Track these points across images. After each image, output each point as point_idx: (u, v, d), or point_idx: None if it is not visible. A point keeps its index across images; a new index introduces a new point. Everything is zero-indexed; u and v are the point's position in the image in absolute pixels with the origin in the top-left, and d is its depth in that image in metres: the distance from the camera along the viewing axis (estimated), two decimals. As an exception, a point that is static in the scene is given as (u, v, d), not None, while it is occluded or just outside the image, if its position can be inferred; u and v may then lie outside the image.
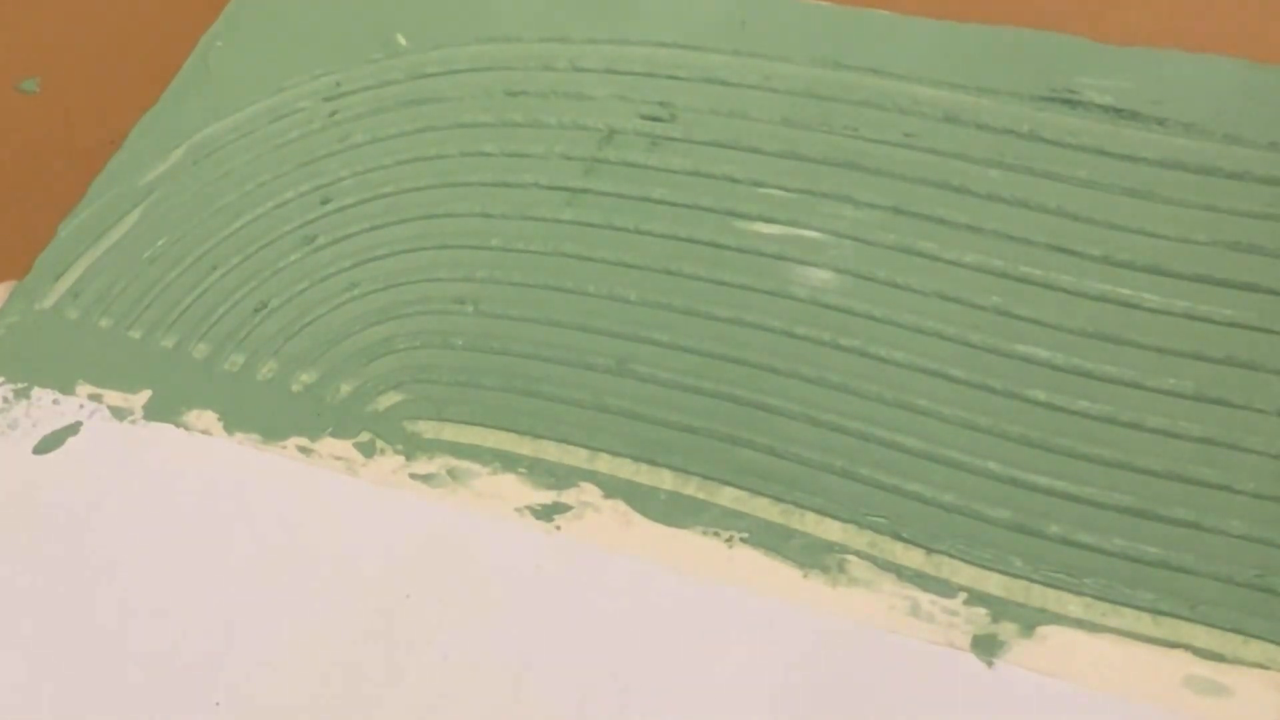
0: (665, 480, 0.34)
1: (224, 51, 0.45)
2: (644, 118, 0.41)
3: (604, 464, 0.35)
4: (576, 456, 0.35)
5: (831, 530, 0.33)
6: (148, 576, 0.34)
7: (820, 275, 0.37)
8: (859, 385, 0.35)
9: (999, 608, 0.31)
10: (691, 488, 0.34)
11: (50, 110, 0.47)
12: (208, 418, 0.37)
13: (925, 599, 0.32)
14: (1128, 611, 0.31)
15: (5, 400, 0.38)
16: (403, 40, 0.44)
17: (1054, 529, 0.32)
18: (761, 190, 0.39)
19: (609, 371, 0.36)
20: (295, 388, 0.37)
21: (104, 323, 0.39)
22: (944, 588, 0.32)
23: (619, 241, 0.38)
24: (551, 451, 0.35)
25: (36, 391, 0.38)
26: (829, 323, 0.36)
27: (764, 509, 0.33)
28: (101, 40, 0.48)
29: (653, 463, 0.35)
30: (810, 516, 0.33)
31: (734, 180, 0.39)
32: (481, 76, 0.43)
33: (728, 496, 0.34)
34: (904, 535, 0.33)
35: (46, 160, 0.45)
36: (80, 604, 0.34)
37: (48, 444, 0.37)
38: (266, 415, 0.37)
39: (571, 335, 0.37)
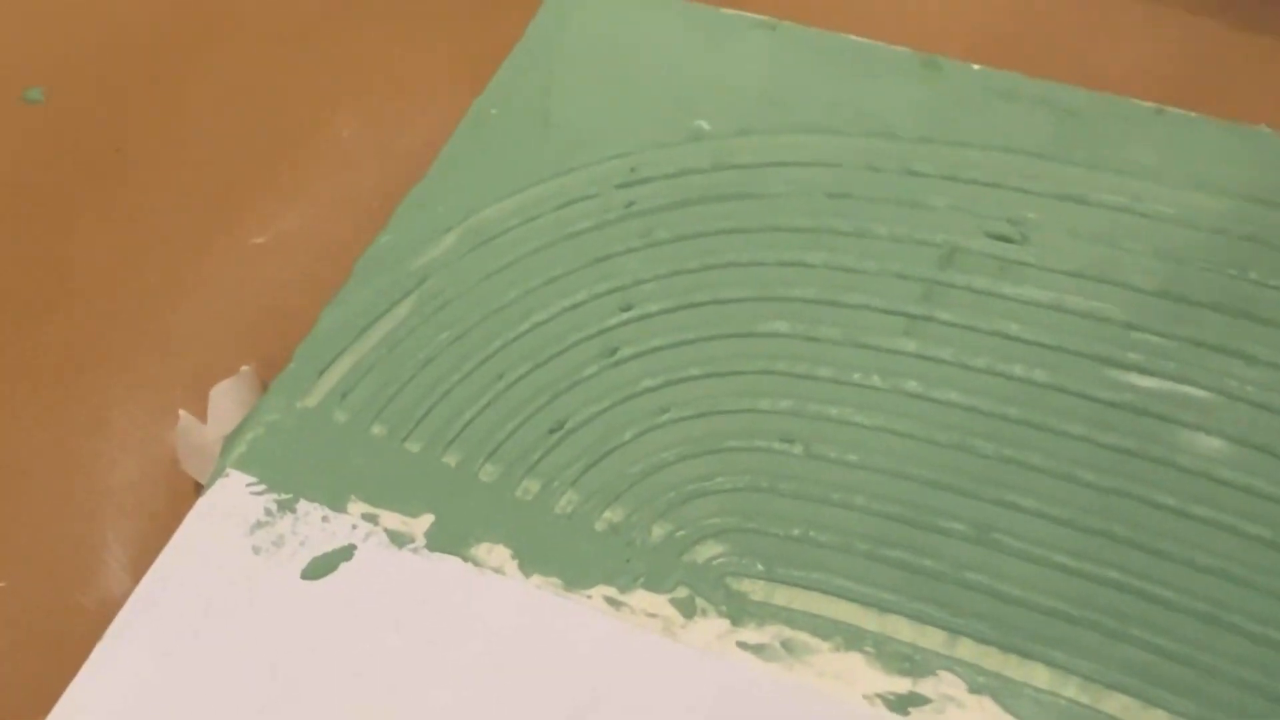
0: (1039, 676, 0.32)
1: (500, 122, 0.43)
2: (990, 236, 0.38)
3: (966, 650, 0.32)
4: (934, 639, 0.32)
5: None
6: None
7: (1211, 443, 0.34)
8: (1268, 583, 0.32)
9: None
10: (1072, 689, 0.31)
11: (55, 121, 0.47)
12: (500, 553, 0.35)
13: None
14: None
15: (268, 512, 0.36)
16: (705, 124, 0.41)
17: None
18: (1136, 335, 0.36)
19: (967, 539, 0.33)
20: (599, 526, 0.35)
21: (377, 430, 0.37)
22: None
23: (971, 382, 0.36)
24: (904, 630, 0.33)
25: (304, 505, 0.36)
26: (1226, 502, 0.33)
27: (1160, 723, 0.31)
28: (107, 50, 0.48)
29: (1024, 654, 0.32)
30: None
31: (1103, 320, 0.36)
32: (798, 172, 0.40)
33: (1116, 705, 0.31)
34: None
35: (51, 172, 0.45)
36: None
37: (318, 568, 0.35)
38: (567, 556, 0.35)
39: (920, 491, 0.34)
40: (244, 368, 0.40)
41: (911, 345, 0.36)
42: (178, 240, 0.45)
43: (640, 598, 0.34)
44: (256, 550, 0.36)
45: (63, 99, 0.48)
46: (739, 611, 0.33)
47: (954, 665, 0.32)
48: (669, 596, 0.34)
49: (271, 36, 0.49)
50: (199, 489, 0.38)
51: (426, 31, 0.47)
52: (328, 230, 0.44)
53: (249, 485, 0.37)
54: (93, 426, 0.41)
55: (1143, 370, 0.35)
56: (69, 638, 0.37)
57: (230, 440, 0.38)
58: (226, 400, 0.39)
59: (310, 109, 0.47)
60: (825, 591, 0.33)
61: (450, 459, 0.37)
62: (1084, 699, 0.31)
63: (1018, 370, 0.36)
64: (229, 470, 0.37)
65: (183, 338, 0.42)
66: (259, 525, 0.36)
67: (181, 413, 0.39)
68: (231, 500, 0.36)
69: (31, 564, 0.38)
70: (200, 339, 0.42)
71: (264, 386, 0.40)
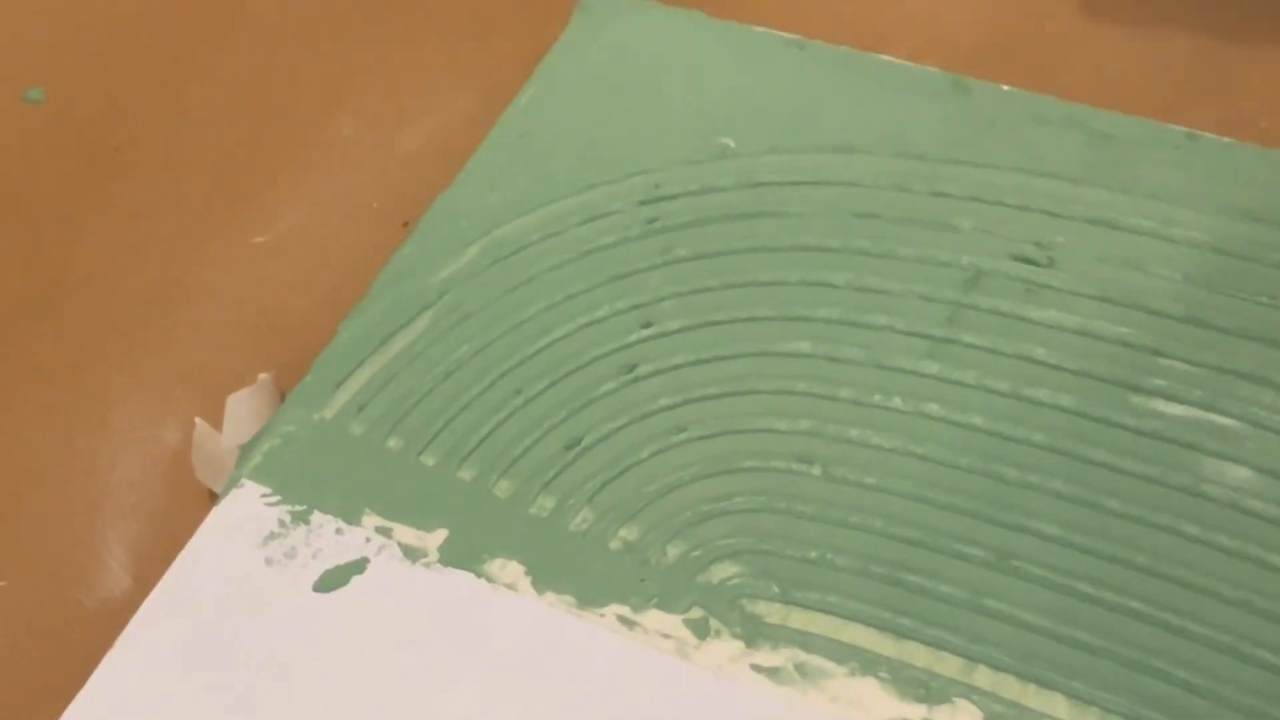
0: (1059, 707, 0.31)
1: (524, 137, 0.43)
2: (1016, 259, 0.38)
3: (984, 678, 0.32)
4: (950, 665, 0.32)
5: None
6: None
7: (1238, 473, 0.34)
8: (1294, 615, 0.32)
9: None
10: (1091, 720, 0.31)
11: (55, 121, 0.47)
12: (513, 569, 0.35)
13: None
14: None
15: (282, 524, 0.36)
16: (730, 142, 0.41)
17: None
18: (1162, 361, 0.36)
19: (986, 565, 0.33)
20: (614, 544, 0.35)
21: (393, 443, 0.37)
22: None
23: (994, 406, 0.35)
24: (920, 656, 0.32)
25: (318, 517, 0.36)
26: (1253, 533, 0.33)
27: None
28: (107, 50, 0.49)
29: (1043, 684, 0.32)
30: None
31: (1128, 346, 0.36)
32: (823, 192, 0.40)
33: (1136, 736, 0.31)
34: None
35: (51, 172, 0.46)
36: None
37: (330, 581, 0.35)
38: (582, 574, 0.35)
39: (940, 516, 0.34)
40: (262, 376, 0.40)
41: (934, 368, 0.36)
42: (178, 240, 0.45)
43: (654, 618, 0.34)
44: (269, 561, 0.36)
45: (63, 99, 0.49)
46: (753, 634, 0.33)
47: (970, 693, 0.32)
48: (683, 617, 0.34)
49: (271, 36, 0.49)
50: (212, 496, 0.38)
51: (426, 31, 0.47)
52: (328, 230, 0.45)
53: (263, 496, 0.37)
54: (93, 426, 0.41)
55: (1169, 397, 0.35)
56: (69, 637, 0.37)
57: (246, 450, 0.38)
58: (242, 409, 0.39)
59: (310, 109, 0.47)
60: (841, 615, 0.33)
61: (466, 474, 0.37)
62: (1103, 730, 0.31)
63: (1042, 395, 0.35)
64: (244, 480, 0.37)
65: (183, 338, 0.43)
66: (272, 536, 0.36)
67: (197, 421, 0.39)
68: (245, 511, 0.37)
69: (32, 563, 0.39)
70: (200, 339, 0.43)
71: (281, 395, 0.40)
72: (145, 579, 0.38)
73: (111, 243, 0.45)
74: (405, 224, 0.43)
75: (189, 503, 0.39)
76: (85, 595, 0.38)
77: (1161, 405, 0.35)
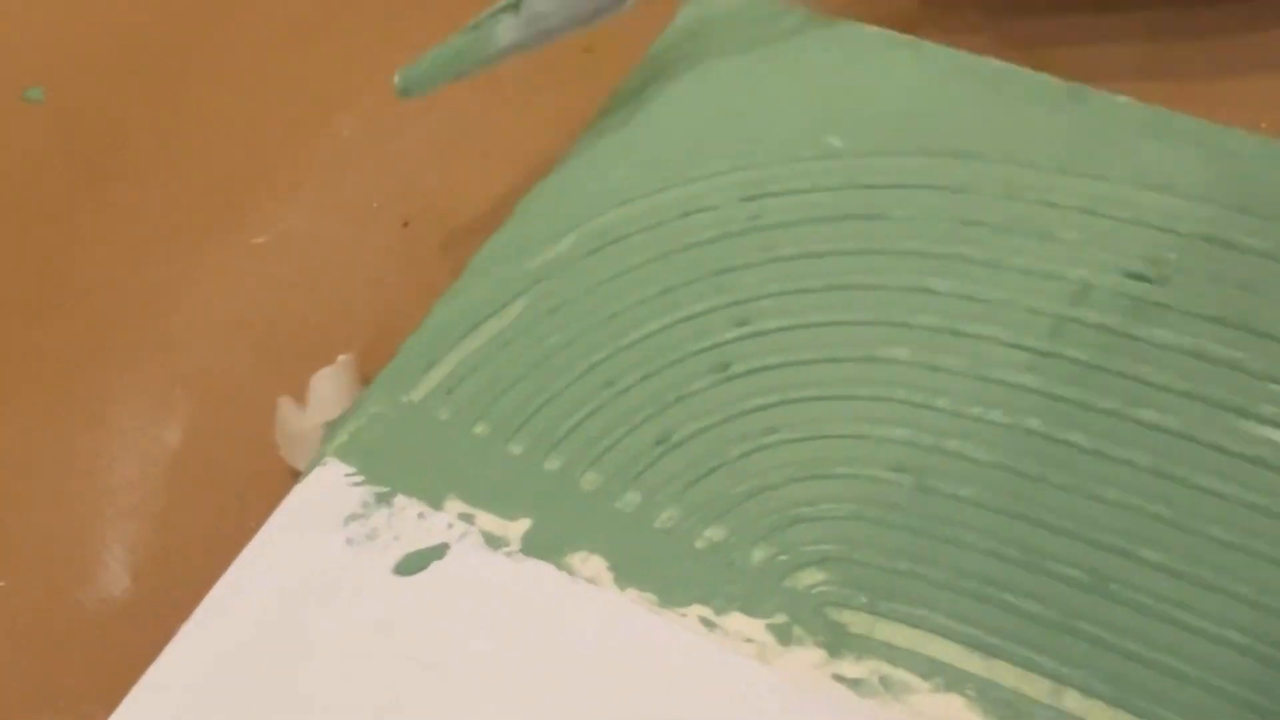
0: (1150, 737, 0.30)
1: (627, 129, 0.42)
2: (1127, 275, 0.37)
3: (1072, 702, 0.31)
4: (1038, 687, 0.31)
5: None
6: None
7: (1350, 507, 0.33)
8: (1402, 657, 0.31)
9: None
10: (1184, 753, 0.30)
11: (55, 121, 0.48)
12: (595, 564, 0.34)
13: None
14: None
15: (365, 505, 0.36)
16: (837, 142, 0.40)
17: None
18: (1274, 387, 0.35)
19: (1081, 587, 0.32)
20: (699, 544, 0.34)
21: (480, 430, 0.37)
22: None
23: (1095, 425, 0.35)
24: (1008, 675, 0.32)
25: (400, 500, 0.36)
26: (1364, 571, 0.32)
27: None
28: (107, 50, 0.49)
29: (1135, 712, 0.31)
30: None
31: (1241, 370, 0.35)
32: (930, 196, 0.39)
33: (1231, 773, 0.30)
34: None
35: (51, 172, 0.46)
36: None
37: (409, 565, 0.35)
38: (665, 572, 0.34)
39: (1035, 533, 0.33)
40: (342, 356, 0.40)
41: (1036, 381, 0.36)
42: (178, 240, 0.45)
43: (736, 620, 0.33)
44: (350, 542, 0.35)
45: (63, 99, 0.49)
46: (837, 643, 0.33)
47: (1058, 716, 0.31)
48: (766, 622, 0.33)
49: (271, 36, 0.50)
50: (295, 475, 0.38)
51: (427, 32, 0.47)
52: (328, 230, 0.44)
53: (347, 475, 0.37)
54: (93, 426, 0.41)
55: (1280, 425, 0.34)
56: (69, 637, 0.37)
57: (332, 428, 0.38)
58: (326, 387, 0.39)
59: (310, 109, 0.47)
60: (929, 629, 0.33)
61: (552, 464, 0.36)
62: (1196, 764, 0.30)
63: (1147, 416, 0.35)
64: (328, 459, 0.37)
65: (183, 338, 0.43)
66: (354, 517, 0.36)
67: (281, 398, 0.39)
68: (328, 490, 0.36)
69: (31, 563, 0.39)
70: (200, 339, 0.43)
71: (362, 377, 0.39)
72: (145, 579, 0.38)
73: (111, 242, 0.45)
74: (405, 224, 0.42)
75: (189, 503, 0.39)
76: (85, 595, 0.38)
77: (1272, 432, 0.34)
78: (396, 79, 0.39)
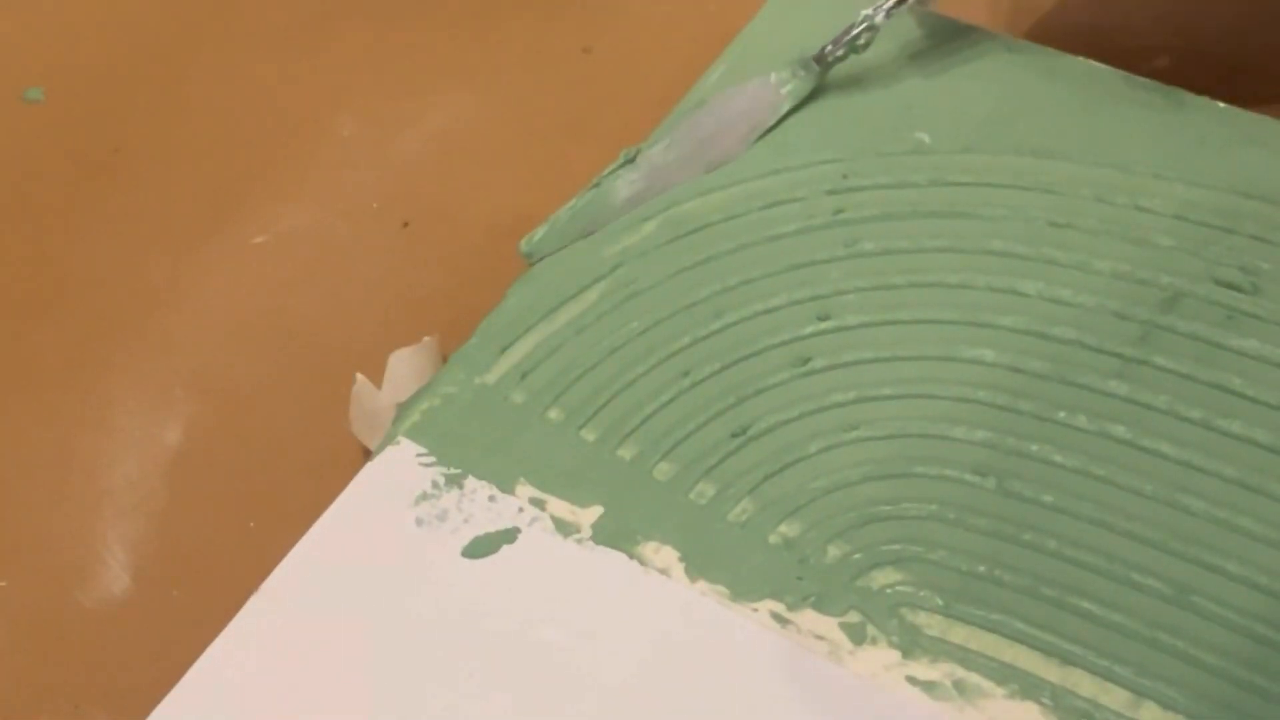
0: (1230, 753, 0.30)
1: (713, 115, 0.42)
2: (1219, 283, 0.36)
3: (1151, 714, 0.31)
4: (1117, 698, 0.31)
5: None
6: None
7: None
8: None
9: None
10: (1265, 770, 0.30)
11: (55, 121, 0.48)
12: (667, 554, 0.34)
13: None
14: None
15: (435, 485, 0.36)
16: (925, 137, 0.40)
17: None
18: (1369, 403, 0.34)
19: (1164, 598, 0.32)
20: (773, 539, 0.34)
21: (554, 415, 0.37)
22: None
23: (1183, 435, 0.34)
24: (1085, 685, 0.31)
25: (471, 482, 0.36)
26: None
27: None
28: (107, 50, 0.49)
29: (1216, 728, 0.30)
30: None
31: (1335, 384, 0.34)
32: (1019, 196, 0.39)
33: (1312, 793, 0.29)
34: None
35: (51, 172, 0.46)
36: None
37: (479, 547, 0.35)
38: (737, 566, 0.34)
39: (1119, 543, 0.33)
40: (425, 338, 0.40)
41: (1123, 388, 0.35)
42: (178, 240, 0.45)
43: (808, 618, 0.33)
44: (420, 522, 0.35)
45: (63, 99, 0.49)
46: (911, 644, 0.32)
47: (1137, 729, 0.31)
48: (839, 620, 0.33)
49: (272, 36, 0.50)
50: (366, 454, 0.38)
51: (426, 31, 0.47)
52: (328, 230, 0.44)
53: (419, 455, 0.37)
54: (93, 425, 0.41)
55: (1374, 442, 0.33)
56: (69, 637, 0.37)
57: (404, 408, 0.38)
58: (404, 367, 0.39)
59: (310, 109, 0.47)
60: (1006, 635, 0.32)
61: (626, 452, 0.36)
62: (1277, 783, 0.30)
63: (1236, 427, 0.34)
64: (400, 439, 0.37)
65: (183, 338, 0.43)
66: (425, 497, 0.36)
67: (357, 376, 0.39)
68: (400, 469, 0.36)
69: (32, 563, 0.39)
70: (200, 339, 0.42)
71: (444, 359, 0.39)
72: (145, 579, 0.38)
73: (111, 242, 0.45)
74: (405, 224, 0.42)
75: (189, 503, 0.39)
76: (85, 595, 0.38)
77: (1365, 450, 0.33)
78: (523, 246, 0.40)
